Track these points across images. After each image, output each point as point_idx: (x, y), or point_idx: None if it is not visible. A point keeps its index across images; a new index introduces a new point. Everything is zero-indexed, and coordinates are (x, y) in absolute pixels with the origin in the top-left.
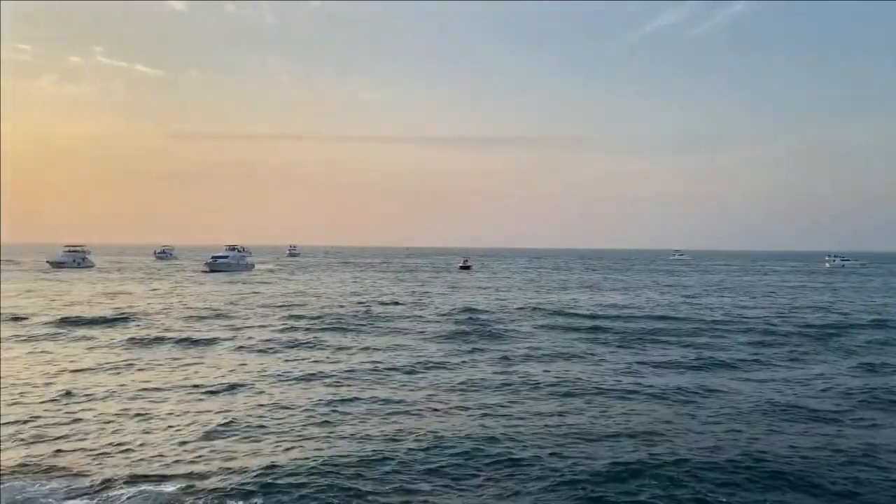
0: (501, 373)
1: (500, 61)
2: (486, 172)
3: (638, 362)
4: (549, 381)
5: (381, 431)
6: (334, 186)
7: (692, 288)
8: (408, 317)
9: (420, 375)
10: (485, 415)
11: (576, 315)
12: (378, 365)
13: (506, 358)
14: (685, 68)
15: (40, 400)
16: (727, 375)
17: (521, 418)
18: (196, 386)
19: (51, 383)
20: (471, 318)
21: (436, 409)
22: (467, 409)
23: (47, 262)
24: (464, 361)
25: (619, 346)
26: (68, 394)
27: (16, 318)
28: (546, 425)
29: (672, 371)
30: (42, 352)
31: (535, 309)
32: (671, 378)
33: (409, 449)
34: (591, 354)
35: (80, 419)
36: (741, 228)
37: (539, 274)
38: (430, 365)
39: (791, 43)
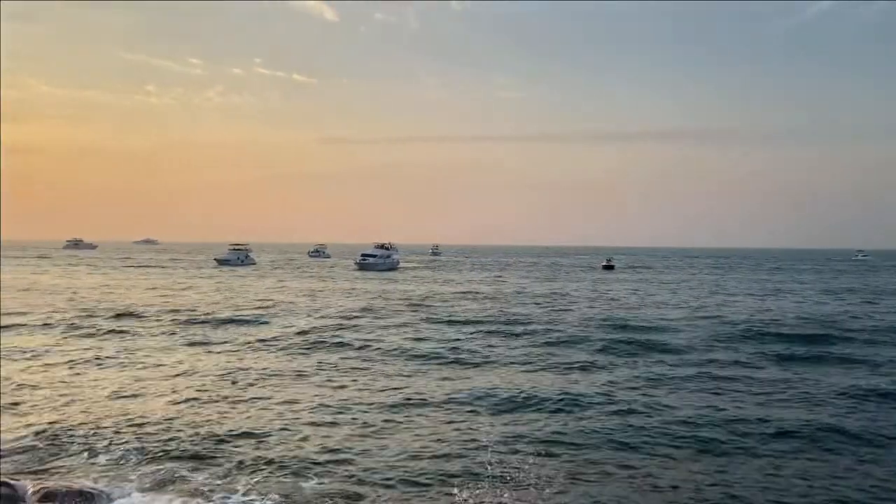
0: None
1: (636, 57)
2: (626, 168)
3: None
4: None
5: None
6: (474, 186)
7: None
8: (550, 321)
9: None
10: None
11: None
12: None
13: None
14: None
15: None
16: None
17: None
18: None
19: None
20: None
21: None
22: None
23: (215, 259)
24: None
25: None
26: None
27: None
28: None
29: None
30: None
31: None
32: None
33: None
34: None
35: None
36: None
37: (707, 277)
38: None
39: None
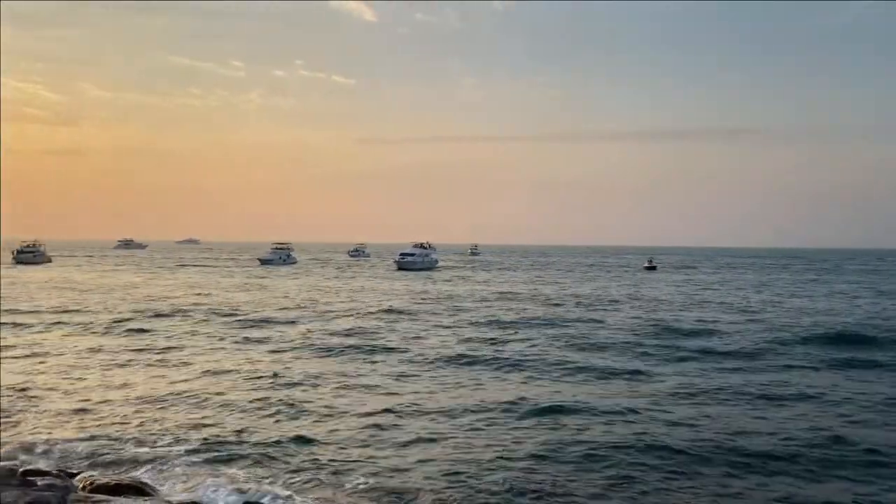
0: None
1: (680, 56)
2: (669, 166)
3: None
4: None
5: None
6: (513, 185)
7: None
8: (600, 322)
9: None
10: None
11: None
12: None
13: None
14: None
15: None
16: None
17: None
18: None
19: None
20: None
21: None
22: None
23: (257, 259)
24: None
25: None
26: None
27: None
28: None
29: None
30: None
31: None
32: None
33: None
34: None
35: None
36: None
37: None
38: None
39: None
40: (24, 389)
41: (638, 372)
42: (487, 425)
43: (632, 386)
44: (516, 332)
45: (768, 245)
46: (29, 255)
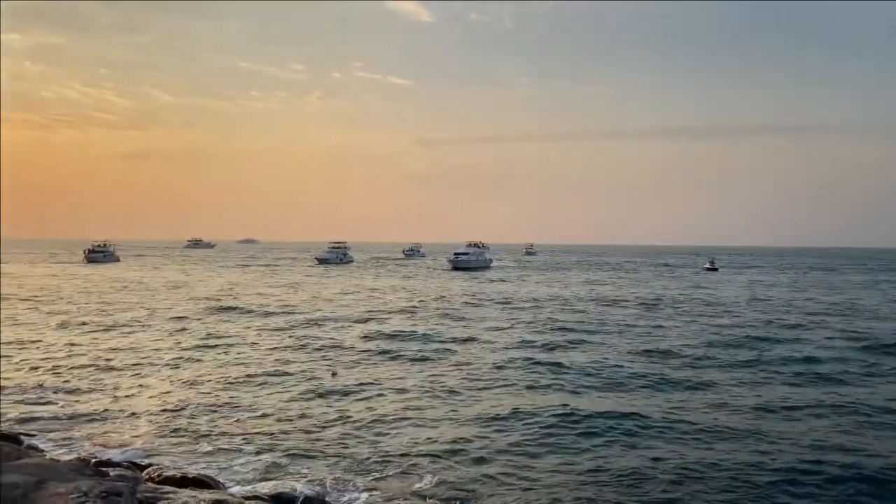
0: None
1: (726, 54)
2: (727, 164)
3: None
4: None
5: None
6: (566, 184)
7: None
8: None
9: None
10: None
11: None
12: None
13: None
14: None
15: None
16: None
17: None
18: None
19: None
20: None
21: None
22: None
23: (315, 258)
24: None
25: None
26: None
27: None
28: None
29: None
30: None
31: None
32: None
33: None
34: None
35: None
36: None
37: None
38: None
39: None
40: (95, 383)
41: (708, 383)
42: (543, 436)
43: (698, 397)
44: (575, 338)
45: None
46: (99, 255)
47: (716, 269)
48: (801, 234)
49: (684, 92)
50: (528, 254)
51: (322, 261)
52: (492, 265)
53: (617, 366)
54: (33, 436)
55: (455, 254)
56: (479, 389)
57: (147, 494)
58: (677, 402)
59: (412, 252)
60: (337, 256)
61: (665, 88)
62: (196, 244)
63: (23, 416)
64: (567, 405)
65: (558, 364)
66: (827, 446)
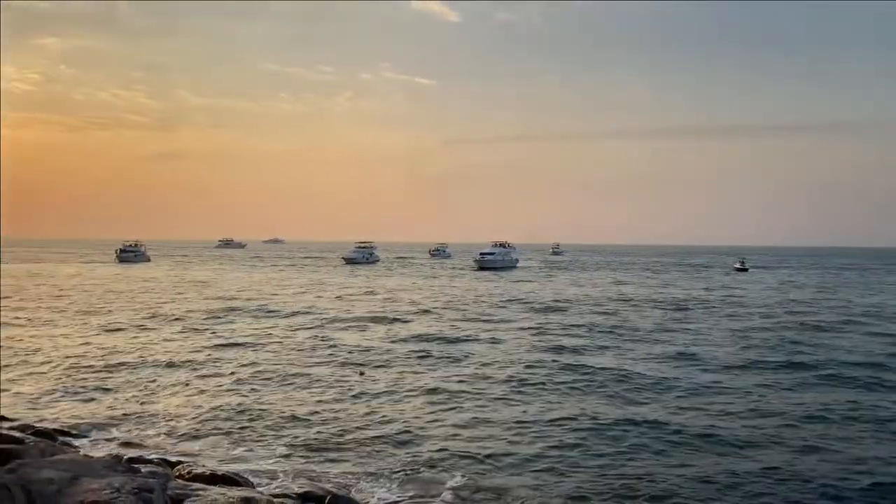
0: None
1: (761, 53)
2: (755, 163)
3: None
4: None
5: None
6: (594, 183)
7: None
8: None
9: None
10: None
11: None
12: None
13: None
14: None
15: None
16: None
17: None
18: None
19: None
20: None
21: None
22: None
23: (342, 257)
24: None
25: None
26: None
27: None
28: None
29: None
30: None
31: None
32: None
33: None
34: None
35: None
36: None
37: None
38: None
39: None
40: (126, 381)
41: (752, 394)
42: (571, 446)
43: (740, 409)
44: (608, 343)
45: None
46: (130, 255)
47: (746, 270)
48: (827, 232)
49: (717, 90)
50: (555, 254)
51: (349, 260)
52: (518, 265)
53: (650, 370)
54: (66, 432)
55: (481, 253)
56: (507, 392)
57: (177, 491)
58: (715, 409)
59: (438, 252)
60: (363, 256)
61: (697, 86)
62: (227, 244)
63: (57, 413)
64: (596, 410)
65: (587, 367)
66: (869, 458)
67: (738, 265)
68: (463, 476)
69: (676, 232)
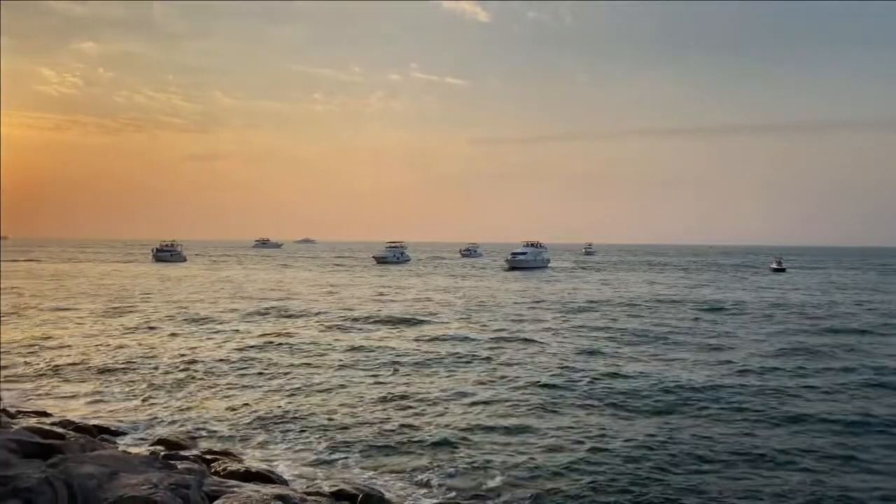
0: None
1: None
2: (790, 162)
3: None
4: None
5: None
6: (625, 183)
7: None
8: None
9: None
10: None
11: None
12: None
13: None
14: None
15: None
16: None
17: None
18: None
19: None
20: None
21: None
22: None
23: (373, 256)
24: None
25: None
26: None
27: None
28: None
29: None
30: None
31: None
32: None
33: None
34: None
35: None
36: None
37: None
38: None
39: None
40: (162, 378)
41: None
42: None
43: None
44: (644, 350)
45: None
46: (167, 254)
47: (783, 270)
48: (875, 232)
49: (749, 87)
50: (587, 254)
51: (380, 259)
52: (550, 265)
53: (691, 379)
54: (105, 429)
55: (512, 253)
56: (546, 396)
57: (213, 488)
58: (756, 418)
59: (469, 252)
60: (394, 255)
61: (729, 83)
62: (264, 244)
63: (95, 409)
64: (637, 419)
65: (626, 374)
66: None
67: (774, 265)
68: (502, 476)
69: (707, 232)
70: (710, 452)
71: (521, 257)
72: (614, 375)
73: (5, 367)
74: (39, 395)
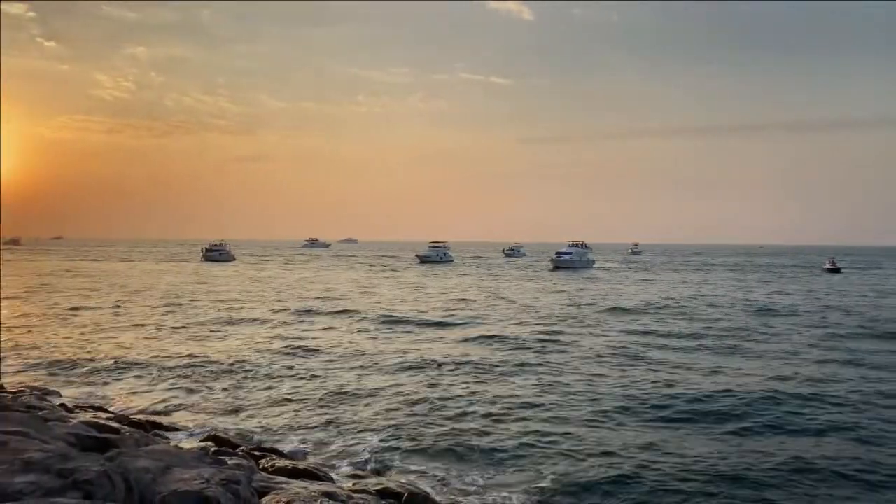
0: None
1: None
2: (837, 160)
3: None
4: None
5: None
6: (675, 181)
7: None
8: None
9: None
10: None
11: None
12: None
13: None
14: None
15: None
16: None
17: None
18: None
19: None
20: None
21: None
22: None
23: (416, 256)
24: None
25: None
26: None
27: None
28: None
29: None
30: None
31: None
32: None
33: None
34: None
35: None
36: None
37: None
38: None
39: None
40: (212, 375)
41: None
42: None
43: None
44: (705, 356)
45: None
46: (215, 254)
47: (838, 270)
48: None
49: (808, 85)
50: (634, 254)
51: (423, 259)
52: (595, 265)
53: (752, 391)
54: (158, 424)
55: (557, 253)
56: (593, 403)
57: (261, 484)
58: (814, 442)
59: (512, 251)
60: (438, 255)
61: (780, 81)
62: (312, 244)
63: (147, 405)
64: (691, 434)
65: (674, 383)
66: None
67: (828, 265)
68: (551, 486)
69: (752, 232)
70: (774, 470)
71: (565, 257)
72: (671, 384)
73: (64, 363)
74: (95, 390)
